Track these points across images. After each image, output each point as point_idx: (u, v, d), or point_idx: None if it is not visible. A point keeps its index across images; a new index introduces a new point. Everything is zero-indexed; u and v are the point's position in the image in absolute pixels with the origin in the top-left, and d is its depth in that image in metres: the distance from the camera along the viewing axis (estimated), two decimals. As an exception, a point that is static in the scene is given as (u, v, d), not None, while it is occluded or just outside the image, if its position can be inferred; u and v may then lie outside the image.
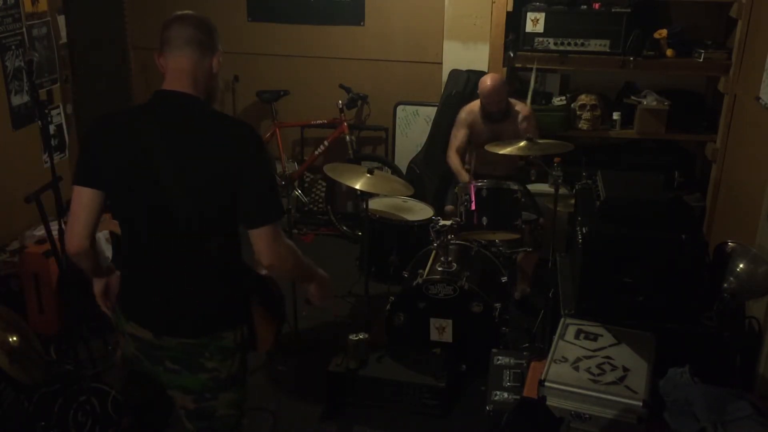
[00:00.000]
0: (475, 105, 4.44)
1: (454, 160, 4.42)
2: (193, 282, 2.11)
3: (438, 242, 3.69)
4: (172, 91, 2.04)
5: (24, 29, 4.25)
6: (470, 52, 4.87)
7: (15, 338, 3.20)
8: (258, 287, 2.25)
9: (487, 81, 4.24)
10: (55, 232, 3.38)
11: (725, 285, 3.18)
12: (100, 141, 2.06)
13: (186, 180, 1.99)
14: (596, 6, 4.53)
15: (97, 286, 2.30)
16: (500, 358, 3.40)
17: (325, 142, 5.20)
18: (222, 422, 2.23)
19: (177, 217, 2.01)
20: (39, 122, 3.30)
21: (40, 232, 3.88)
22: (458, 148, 4.45)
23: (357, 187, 3.63)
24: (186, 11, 2.15)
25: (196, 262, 2.09)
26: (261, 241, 2.02)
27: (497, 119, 4.31)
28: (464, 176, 4.28)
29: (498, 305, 3.57)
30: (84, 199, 2.06)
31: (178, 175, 1.98)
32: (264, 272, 2.21)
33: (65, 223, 2.28)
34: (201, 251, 2.07)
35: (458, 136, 4.45)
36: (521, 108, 4.40)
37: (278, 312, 2.36)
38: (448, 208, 4.31)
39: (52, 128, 4.52)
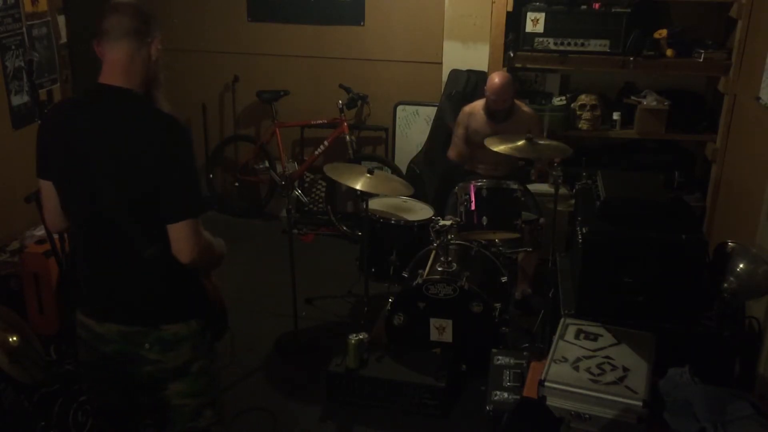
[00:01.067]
0: (477, 105, 4.44)
1: (453, 151, 4.51)
2: (127, 272, 2.13)
3: (438, 242, 3.69)
4: (105, 85, 2.07)
5: (24, 29, 4.25)
6: (470, 52, 4.87)
7: (15, 338, 3.20)
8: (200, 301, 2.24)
9: (496, 78, 4.24)
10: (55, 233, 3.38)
11: (725, 285, 3.17)
12: (45, 134, 2.14)
13: (110, 173, 2.02)
14: (596, 6, 4.53)
15: None
16: (500, 358, 3.40)
17: (325, 142, 5.20)
18: (178, 412, 2.25)
19: (106, 209, 2.04)
20: (39, 122, 3.30)
21: (40, 232, 3.88)
22: (458, 148, 4.46)
23: (357, 187, 3.63)
24: (121, 0, 2.14)
25: (128, 255, 2.09)
26: (179, 237, 2.03)
27: (501, 119, 4.31)
28: (463, 157, 4.37)
29: (498, 305, 3.57)
30: (45, 190, 2.18)
31: (103, 168, 2.02)
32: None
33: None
34: (131, 242, 2.07)
35: (458, 134, 4.47)
36: (527, 111, 4.40)
37: (216, 329, 2.33)
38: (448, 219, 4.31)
39: (52, 128, 4.51)
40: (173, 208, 2.03)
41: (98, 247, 2.14)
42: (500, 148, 3.74)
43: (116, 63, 2.08)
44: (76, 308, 2.26)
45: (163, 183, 2.01)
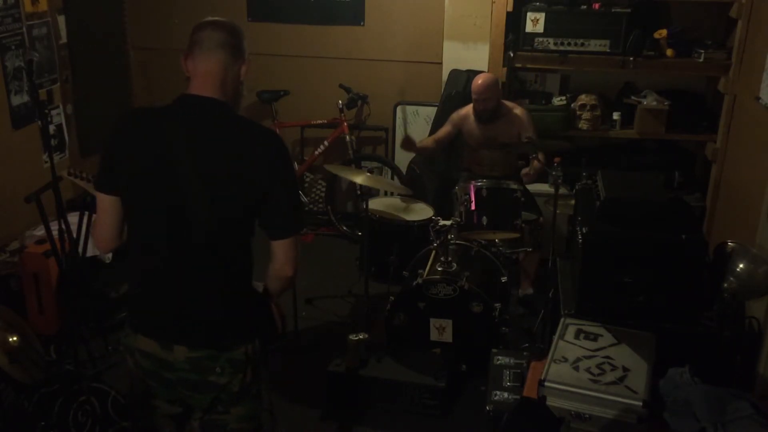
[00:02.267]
0: (469, 108, 4.46)
1: (428, 139, 4.57)
2: (207, 292, 2.05)
3: (438, 242, 3.69)
4: (199, 96, 1.99)
5: (24, 29, 4.25)
6: (470, 52, 4.87)
7: (15, 338, 3.20)
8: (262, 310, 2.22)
9: (479, 80, 4.27)
10: (55, 232, 3.38)
11: (725, 285, 3.17)
12: (121, 146, 2.02)
13: (209, 188, 1.94)
14: (596, 6, 4.54)
15: None
16: (500, 358, 3.40)
17: (325, 142, 5.20)
18: None
19: (196, 226, 1.97)
20: (39, 122, 3.30)
21: (40, 232, 3.88)
22: (438, 139, 4.50)
23: (358, 181, 3.62)
24: (217, 18, 2.11)
25: (210, 271, 2.04)
26: (287, 252, 2.03)
27: (487, 119, 4.32)
28: (417, 144, 4.43)
29: (498, 305, 3.57)
30: (105, 204, 2.06)
31: (200, 182, 1.94)
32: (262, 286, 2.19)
33: (88, 221, 2.22)
34: (216, 261, 2.03)
35: (443, 129, 4.54)
36: (518, 111, 4.40)
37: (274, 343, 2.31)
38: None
39: (52, 128, 4.52)
40: (282, 225, 2.02)
41: (176, 265, 2.03)
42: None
43: (210, 74, 2.00)
44: (126, 333, 2.14)
45: (271, 200, 1.97)
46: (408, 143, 4.39)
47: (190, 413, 2.21)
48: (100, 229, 2.10)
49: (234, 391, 2.12)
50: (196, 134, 1.96)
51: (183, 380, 2.09)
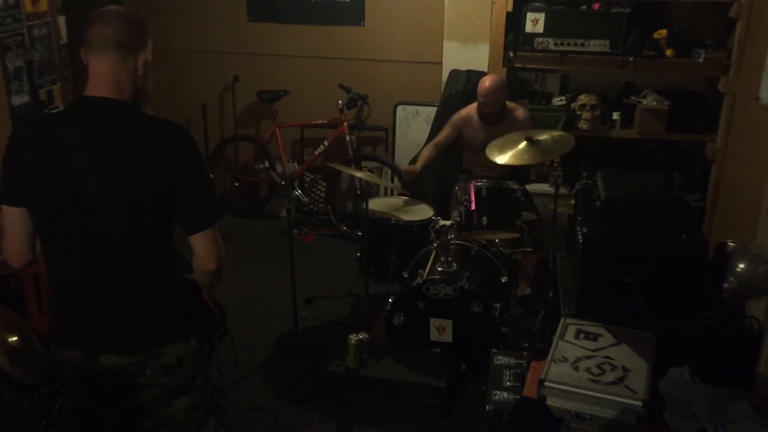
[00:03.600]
0: (471, 109, 4.45)
1: (425, 150, 4.52)
2: (127, 297, 2.00)
3: (438, 242, 3.69)
4: (93, 97, 1.93)
5: (24, 29, 4.25)
6: (470, 52, 4.87)
7: (15, 338, 3.19)
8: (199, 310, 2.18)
9: (486, 81, 4.26)
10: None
11: (725, 285, 3.17)
12: (19, 156, 1.95)
13: (113, 189, 1.89)
14: (596, 6, 4.54)
15: None
16: (500, 358, 3.40)
17: (325, 142, 5.20)
18: (183, 425, 2.17)
19: (105, 230, 1.92)
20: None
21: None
22: (438, 144, 4.49)
23: (358, 175, 3.61)
24: (111, 7, 1.98)
25: (127, 276, 1.98)
26: (207, 245, 1.97)
27: (492, 121, 4.32)
28: (417, 164, 4.43)
29: (498, 305, 3.57)
30: (12, 217, 2.00)
31: (106, 184, 1.89)
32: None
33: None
34: (132, 264, 1.98)
35: (442, 133, 4.53)
36: (520, 113, 4.40)
37: (216, 335, 2.28)
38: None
39: (52, 128, 4.51)
40: (196, 219, 1.96)
41: (93, 272, 1.98)
42: (504, 158, 3.71)
43: (102, 76, 1.93)
44: (51, 347, 2.09)
45: (184, 194, 1.92)
46: (410, 171, 4.46)
47: (137, 414, 2.16)
48: (10, 243, 2.03)
49: (171, 389, 2.09)
50: (94, 136, 1.90)
51: (114, 385, 2.05)
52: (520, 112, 4.40)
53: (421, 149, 4.66)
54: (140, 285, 2.01)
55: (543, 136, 3.72)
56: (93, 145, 1.89)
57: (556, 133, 3.81)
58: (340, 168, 4.01)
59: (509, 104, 4.39)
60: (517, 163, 3.71)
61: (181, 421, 2.15)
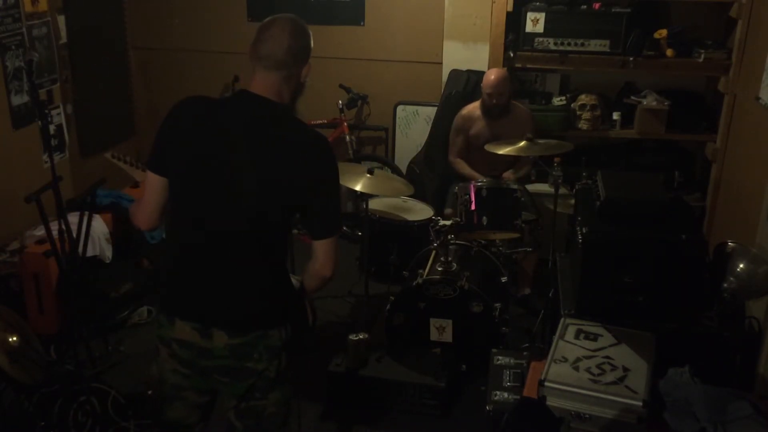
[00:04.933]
0: (472, 107, 4.45)
1: (461, 165, 4.47)
2: (245, 278, 2.12)
3: (438, 242, 3.69)
4: (258, 95, 2.07)
5: (24, 29, 4.25)
6: (470, 52, 4.87)
7: (15, 338, 3.19)
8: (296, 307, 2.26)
9: (492, 74, 4.27)
10: (55, 232, 3.38)
11: (725, 285, 3.17)
12: (176, 129, 2.08)
13: (260, 180, 2.01)
14: (596, 6, 4.53)
15: None
16: (500, 358, 3.40)
17: (325, 142, 5.20)
18: (270, 421, 2.24)
19: (242, 214, 2.04)
20: (39, 122, 3.30)
21: (40, 232, 3.88)
22: (459, 153, 4.47)
23: (357, 188, 3.63)
24: (283, 18, 2.10)
25: (250, 259, 2.10)
26: (325, 252, 2.10)
27: (497, 115, 4.32)
28: (477, 176, 4.34)
29: (498, 305, 3.57)
30: (153, 184, 2.12)
31: (252, 174, 2.01)
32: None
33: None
34: (257, 250, 2.09)
35: (457, 142, 4.50)
36: (522, 110, 4.40)
37: (306, 340, 2.35)
38: (448, 211, 4.31)
39: (52, 128, 4.52)
40: (322, 226, 2.09)
41: (217, 253, 2.09)
42: (502, 151, 3.74)
43: (265, 86, 2.08)
44: (161, 322, 2.17)
45: (316, 200, 2.05)
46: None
47: (214, 403, 2.27)
48: (145, 207, 2.16)
49: (271, 377, 2.16)
50: (252, 129, 2.03)
51: (221, 367, 2.13)
52: (522, 110, 4.40)
53: (458, 168, 4.55)
54: (257, 273, 2.12)
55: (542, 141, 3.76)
56: (249, 137, 2.02)
57: (553, 142, 3.85)
58: (344, 184, 3.89)
59: (512, 101, 4.40)
60: (515, 153, 3.73)
61: (269, 415, 2.22)
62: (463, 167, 4.47)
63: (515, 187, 3.95)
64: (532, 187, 4.46)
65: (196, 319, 2.11)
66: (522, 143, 3.77)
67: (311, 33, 2.17)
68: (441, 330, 3.63)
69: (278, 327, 2.15)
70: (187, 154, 2.05)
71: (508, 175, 4.23)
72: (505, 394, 3.19)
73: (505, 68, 4.50)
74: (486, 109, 4.35)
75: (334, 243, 2.11)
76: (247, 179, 2.01)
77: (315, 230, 2.09)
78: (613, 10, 4.50)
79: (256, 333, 2.11)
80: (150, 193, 2.14)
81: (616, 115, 4.80)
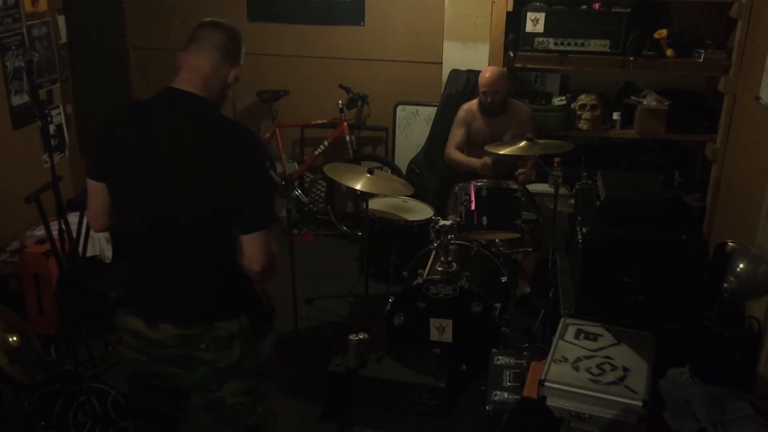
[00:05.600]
0: (473, 103, 4.45)
1: (457, 154, 4.44)
2: (186, 275, 2.16)
3: (438, 242, 3.68)
4: (181, 90, 2.09)
5: (24, 29, 4.26)
6: (470, 52, 4.87)
7: (15, 338, 3.20)
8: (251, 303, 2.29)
9: (487, 72, 4.27)
10: (55, 232, 3.38)
11: (725, 285, 3.17)
12: (110, 137, 2.14)
13: (188, 179, 2.03)
14: (596, 6, 4.53)
15: None
16: (500, 358, 3.40)
17: (325, 142, 5.20)
18: (233, 410, 2.28)
19: (174, 213, 2.07)
20: (39, 122, 3.30)
21: (40, 232, 3.88)
22: (457, 146, 4.46)
23: (357, 187, 3.63)
24: (223, 20, 2.22)
25: (189, 256, 2.14)
26: (256, 247, 2.09)
27: (495, 113, 4.32)
28: (475, 162, 4.31)
29: (498, 305, 3.57)
30: (92, 190, 2.19)
31: (180, 174, 2.03)
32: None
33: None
34: (196, 246, 2.12)
35: (457, 134, 4.46)
36: (521, 108, 4.40)
37: (262, 328, 2.38)
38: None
39: (52, 128, 4.52)
40: (250, 220, 2.08)
41: (158, 249, 2.14)
42: (503, 151, 3.74)
43: (197, 69, 2.10)
44: (118, 313, 2.25)
45: (242, 195, 2.04)
46: (484, 165, 4.27)
47: (186, 394, 2.30)
48: (90, 211, 2.24)
49: (222, 368, 2.20)
50: (178, 128, 2.05)
51: (170, 357, 2.19)
52: (521, 108, 4.39)
53: (456, 158, 4.49)
54: (199, 267, 2.16)
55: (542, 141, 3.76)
56: (175, 136, 2.05)
57: (553, 142, 3.84)
58: (341, 181, 3.87)
59: (510, 99, 4.39)
60: (515, 153, 3.72)
61: (230, 405, 2.27)
62: (460, 156, 4.42)
63: (515, 187, 3.95)
64: (532, 187, 4.46)
65: (143, 316, 2.19)
66: (522, 143, 3.77)
67: (241, 37, 2.23)
68: (441, 330, 3.63)
69: (226, 320, 2.18)
70: (118, 159, 2.09)
71: (523, 172, 4.17)
72: (505, 394, 3.19)
73: (502, 66, 4.50)
74: (483, 108, 4.35)
75: (261, 237, 2.09)
76: (176, 177, 2.04)
77: (241, 224, 2.08)
78: (613, 10, 4.50)
79: (201, 326, 2.16)
80: (91, 198, 2.21)
81: (616, 115, 4.80)
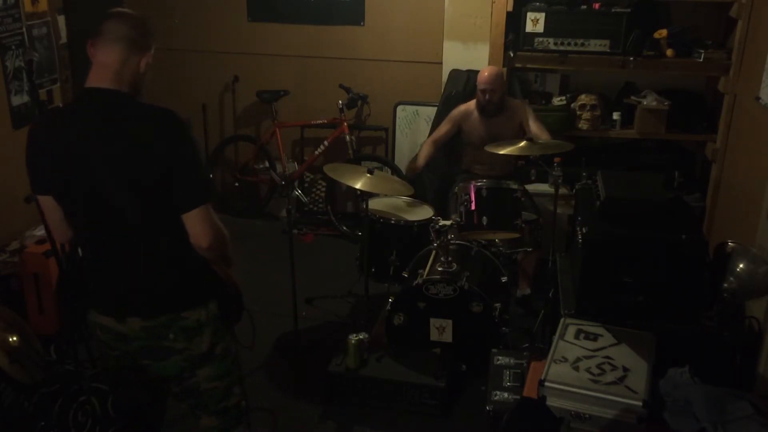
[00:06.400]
0: (470, 104, 4.45)
1: (424, 147, 4.53)
2: (143, 268, 2.18)
3: (438, 242, 3.68)
4: (95, 89, 2.10)
5: (24, 29, 4.26)
6: (470, 52, 4.87)
7: (15, 338, 3.20)
8: (214, 287, 2.30)
9: (485, 72, 4.28)
10: (55, 232, 3.38)
11: (725, 285, 3.17)
12: (36, 149, 2.16)
13: (117, 172, 2.05)
14: (596, 6, 4.54)
15: None
16: (500, 358, 3.40)
17: (325, 142, 5.20)
18: (209, 395, 2.34)
19: (115, 210, 2.09)
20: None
21: (40, 232, 3.88)
22: (436, 140, 4.50)
23: (357, 186, 3.63)
24: (127, 10, 2.21)
25: (144, 249, 2.16)
26: (196, 224, 2.09)
27: (492, 113, 4.32)
28: (419, 161, 4.46)
29: (498, 305, 3.57)
30: (44, 204, 2.22)
31: (109, 169, 2.05)
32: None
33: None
34: (146, 239, 2.14)
35: (441, 129, 4.54)
36: (518, 104, 4.40)
37: (233, 310, 2.38)
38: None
39: (52, 128, 4.51)
40: (186, 197, 2.09)
41: (111, 247, 2.18)
42: (503, 151, 3.74)
43: (106, 66, 2.10)
44: (88, 311, 2.29)
45: (173, 175, 2.05)
46: (412, 169, 4.52)
47: (162, 384, 2.35)
48: (49, 223, 2.29)
49: (194, 356, 2.25)
50: (98, 127, 2.06)
51: (141, 348, 2.23)
52: (518, 104, 4.40)
53: (420, 147, 4.66)
54: (155, 257, 2.17)
55: (542, 141, 3.75)
56: (97, 134, 2.06)
57: (553, 142, 3.84)
58: (342, 180, 3.89)
59: (507, 98, 4.40)
60: (515, 153, 3.73)
61: (206, 390, 2.32)
62: (424, 149, 4.52)
63: (515, 187, 3.95)
64: (532, 187, 4.46)
65: (110, 313, 2.22)
66: (522, 143, 3.76)
67: (153, 29, 2.22)
68: (441, 330, 3.63)
69: (192, 308, 2.21)
70: (54, 168, 2.12)
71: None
72: (505, 394, 3.19)
73: (500, 65, 4.50)
74: (480, 107, 4.35)
75: (203, 212, 2.09)
76: (109, 175, 2.06)
77: (180, 203, 2.09)
78: (613, 10, 4.50)
79: (167, 316, 2.19)
80: (46, 212, 2.23)
81: (616, 115, 4.80)
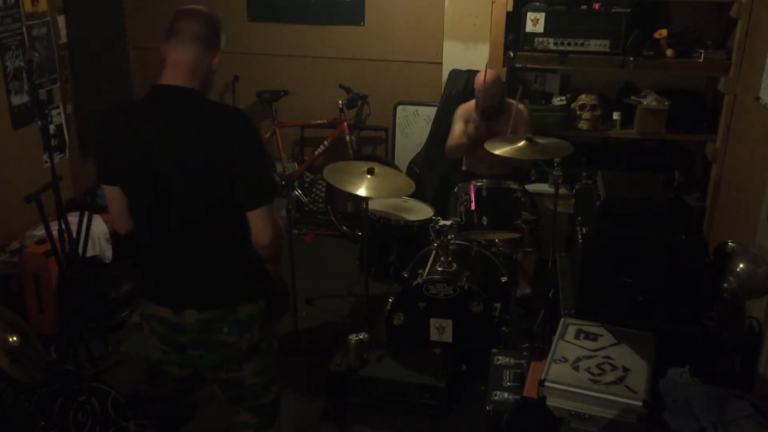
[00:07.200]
0: (471, 103, 4.44)
1: (451, 140, 4.43)
2: (203, 262, 2.24)
3: (438, 242, 3.69)
4: (168, 86, 2.15)
5: (24, 29, 4.25)
6: (470, 52, 4.87)
7: (15, 338, 3.20)
8: (264, 284, 2.37)
9: (482, 76, 4.26)
10: (55, 232, 3.38)
11: (725, 285, 3.17)
12: (107, 142, 2.22)
13: (187, 168, 2.11)
14: (596, 6, 4.53)
15: None
16: (500, 358, 3.40)
17: (325, 142, 5.20)
18: (250, 390, 2.40)
19: (181, 204, 2.15)
20: (39, 122, 3.30)
21: (40, 232, 3.88)
22: (467, 134, 4.45)
23: (358, 193, 3.60)
24: (197, 6, 2.24)
25: (206, 245, 2.22)
26: (260, 222, 2.16)
27: (491, 116, 4.31)
28: (464, 139, 4.30)
29: (498, 305, 3.57)
30: (109, 194, 2.28)
31: (179, 165, 2.11)
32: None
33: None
34: (210, 235, 2.21)
35: (457, 128, 4.46)
36: (518, 107, 4.40)
37: (278, 307, 2.46)
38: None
39: (52, 128, 4.52)
40: (252, 196, 2.15)
41: (174, 241, 2.23)
42: (499, 151, 3.74)
43: (181, 63, 2.15)
44: (143, 303, 2.36)
45: (241, 174, 2.11)
46: (458, 145, 4.35)
47: (199, 376, 2.43)
48: (113, 215, 2.33)
49: (243, 349, 2.31)
50: (170, 124, 2.11)
51: (194, 341, 2.28)
52: (518, 107, 4.39)
53: (451, 143, 4.45)
54: (214, 251, 2.24)
55: (542, 140, 3.74)
56: (169, 131, 2.11)
57: (554, 141, 3.83)
58: (341, 187, 3.86)
59: (507, 100, 4.39)
60: (515, 156, 3.72)
61: (249, 385, 2.39)
62: (454, 138, 4.39)
63: (515, 187, 3.95)
64: (532, 187, 4.46)
65: (168, 304, 2.28)
66: (521, 143, 3.76)
67: (222, 26, 2.26)
68: (441, 330, 3.63)
69: (246, 303, 2.28)
70: (124, 161, 2.17)
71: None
72: (505, 394, 3.19)
73: (497, 70, 4.49)
74: (480, 110, 4.34)
75: (265, 212, 2.16)
76: (179, 171, 2.11)
77: (245, 201, 2.16)
78: (613, 10, 4.50)
79: (223, 309, 2.25)
80: (111, 202, 2.29)
81: (616, 115, 4.80)
